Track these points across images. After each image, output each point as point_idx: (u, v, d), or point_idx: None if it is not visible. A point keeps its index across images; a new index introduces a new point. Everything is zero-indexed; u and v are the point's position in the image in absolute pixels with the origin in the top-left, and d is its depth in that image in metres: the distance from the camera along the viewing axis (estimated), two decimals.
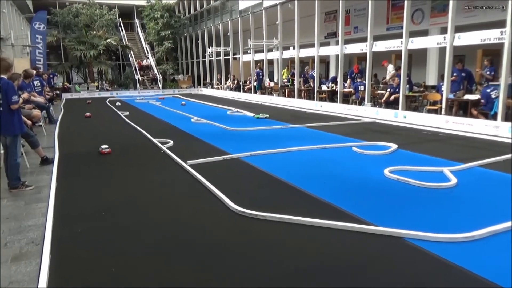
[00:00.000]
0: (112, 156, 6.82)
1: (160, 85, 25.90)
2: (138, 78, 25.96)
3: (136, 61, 27.14)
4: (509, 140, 7.55)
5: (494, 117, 8.50)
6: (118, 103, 17.54)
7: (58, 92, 20.55)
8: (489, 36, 8.55)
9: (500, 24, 8.32)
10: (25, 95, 7.06)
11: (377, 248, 3.21)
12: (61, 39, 25.33)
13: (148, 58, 27.85)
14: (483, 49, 11.56)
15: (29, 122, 6.74)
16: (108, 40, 24.58)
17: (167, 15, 26.15)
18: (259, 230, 3.59)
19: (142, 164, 6.26)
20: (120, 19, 28.54)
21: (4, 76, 4.79)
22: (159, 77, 26.16)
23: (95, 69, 26.36)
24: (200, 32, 24.26)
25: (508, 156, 6.16)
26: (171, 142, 7.53)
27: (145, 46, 28.53)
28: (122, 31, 28.68)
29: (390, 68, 13.05)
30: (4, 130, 4.83)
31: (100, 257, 3.12)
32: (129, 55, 27.52)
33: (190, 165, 5.77)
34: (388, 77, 13.01)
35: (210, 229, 3.65)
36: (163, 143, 7.46)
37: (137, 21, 29.90)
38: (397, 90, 11.42)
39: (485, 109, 8.92)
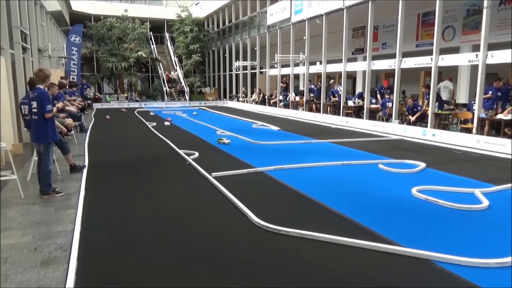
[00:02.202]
0: (139, 166, 6.96)
1: (187, 97, 26.36)
2: (166, 90, 26.53)
3: (164, 73, 27.79)
4: None
5: None
6: (152, 113, 17.98)
7: (89, 102, 21.24)
8: None
9: None
10: (59, 104, 7.34)
11: (404, 270, 3.12)
12: (94, 51, 26.29)
13: (176, 70, 28.46)
14: None
15: (64, 129, 7.00)
16: (139, 53, 25.32)
17: (196, 29, 26.75)
18: (282, 245, 3.55)
19: (168, 174, 6.36)
20: (151, 33, 29.39)
21: (41, 86, 5.01)
22: (187, 89, 26.66)
23: (125, 80, 27.14)
24: (228, 46, 24.65)
25: None
26: (196, 154, 7.62)
27: (174, 59, 29.20)
28: (153, 44, 29.50)
29: (446, 84, 12.68)
30: (38, 137, 5.02)
31: (125, 266, 3.16)
32: (158, 67, 28.22)
33: (215, 177, 5.81)
34: (446, 95, 12.60)
35: (233, 242, 3.65)
36: (188, 155, 7.56)
37: (167, 34, 30.72)
38: (414, 110, 11.23)
39: None
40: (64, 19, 22.50)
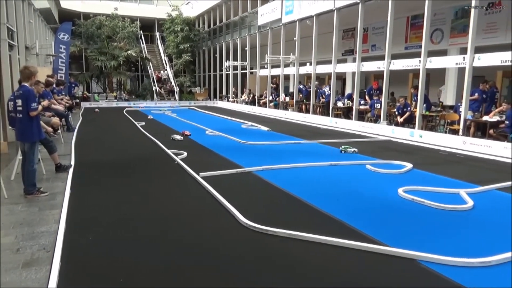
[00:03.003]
0: (126, 166, 6.90)
1: (177, 97, 26.23)
2: (156, 89, 26.37)
3: (154, 72, 27.62)
4: None
5: None
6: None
7: (77, 101, 20.99)
8: (509, 57, 8.42)
9: None
10: (45, 102, 7.23)
11: (390, 270, 3.14)
12: (83, 49, 26.01)
13: (166, 70, 28.31)
14: (503, 70, 11.41)
15: (50, 129, 6.90)
16: (129, 52, 25.12)
17: (187, 29, 26.65)
18: (270, 246, 3.55)
19: (155, 174, 6.31)
20: (141, 32, 29.19)
21: (26, 84, 4.93)
22: (176, 89, 26.53)
23: (114, 80, 26.90)
24: (219, 46, 24.60)
25: None
26: (185, 154, 7.58)
27: (164, 58, 29.04)
28: (143, 43, 29.29)
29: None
30: (23, 136, 4.94)
31: (110, 267, 3.12)
32: (148, 66, 28.03)
33: (203, 177, 5.79)
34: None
35: (220, 243, 3.63)
36: (176, 154, 7.51)
37: (157, 33, 30.54)
38: (404, 109, 11.33)
39: (507, 131, 8.74)
40: (53, 16, 22.20)
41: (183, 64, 27.55)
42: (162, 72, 28.28)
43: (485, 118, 9.57)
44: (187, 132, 10.63)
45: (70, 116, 12.42)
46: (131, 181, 5.85)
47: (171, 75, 27.70)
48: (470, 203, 4.69)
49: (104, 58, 24.44)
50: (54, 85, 11.30)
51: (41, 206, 4.59)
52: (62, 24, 20.51)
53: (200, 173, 5.95)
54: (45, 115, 7.66)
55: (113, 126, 13.31)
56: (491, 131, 9.09)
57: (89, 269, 3.09)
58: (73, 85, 21.35)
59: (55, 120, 7.55)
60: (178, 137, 9.90)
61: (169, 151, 7.87)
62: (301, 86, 17.69)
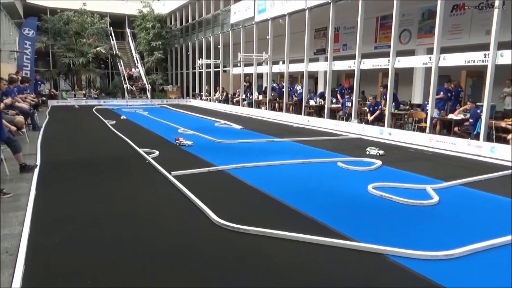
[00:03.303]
0: (95, 165, 6.73)
1: (149, 95, 25.80)
2: (127, 87, 25.84)
3: (125, 70, 27.05)
4: (490, 160, 7.69)
5: (477, 137, 8.66)
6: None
7: (44, 98, 20.28)
8: (473, 58, 8.77)
9: (484, 47, 8.54)
10: (7, 100, 6.96)
11: (359, 265, 3.21)
12: (50, 45, 25.13)
13: (137, 67, 27.79)
14: (467, 70, 11.86)
15: (13, 128, 6.63)
16: (98, 48, 24.48)
17: (158, 26, 26.25)
18: (242, 244, 3.56)
19: (126, 173, 6.19)
20: (111, 28, 28.51)
21: None
22: (148, 86, 26.09)
23: (83, 77, 26.14)
24: (191, 44, 24.36)
25: (490, 175, 6.26)
26: (157, 153, 7.47)
27: (135, 55, 28.49)
28: (113, 39, 28.62)
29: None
30: None
31: (77, 269, 3.04)
32: (119, 64, 27.41)
33: (175, 176, 5.72)
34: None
35: (192, 242, 3.60)
36: (148, 153, 7.39)
37: (128, 30, 29.91)
38: (375, 108, 11.60)
39: (471, 129, 9.10)
40: (17, 11, 21.35)
41: (155, 62, 27.12)
42: (133, 69, 27.73)
43: (451, 116, 9.93)
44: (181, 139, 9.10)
45: (35, 114, 11.98)
46: (101, 180, 5.71)
47: (142, 73, 27.21)
48: (436, 198, 4.85)
49: (72, 55, 23.70)
50: (19, 82, 10.87)
51: (4, 208, 4.40)
52: (27, 19, 19.76)
53: (172, 172, 5.88)
54: (8, 113, 7.36)
55: (82, 125, 12.94)
56: (456, 128, 9.44)
57: (55, 272, 3.00)
58: (39, 82, 20.62)
59: (19, 118, 7.26)
60: (188, 142, 8.73)
61: (140, 150, 7.73)
62: (274, 85, 17.78)
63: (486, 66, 8.41)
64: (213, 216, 4.09)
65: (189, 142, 8.68)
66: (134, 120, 14.26)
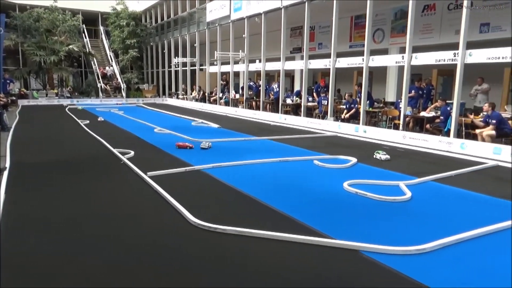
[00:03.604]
0: (68, 166, 6.57)
1: (124, 94, 25.34)
2: (101, 86, 25.29)
3: (99, 68, 26.48)
4: (460, 156, 7.94)
5: (447, 134, 8.93)
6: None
7: (13, 98, 19.61)
8: (443, 57, 9.03)
9: (454, 46, 8.80)
10: None
11: (334, 261, 3.26)
12: (19, 43, 24.28)
13: (112, 66, 27.25)
14: (438, 69, 12.20)
15: None
16: (70, 46, 23.84)
17: (133, 24, 25.79)
18: (219, 244, 3.55)
19: (100, 174, 6.07)
20: (84, 26, 27.82)
21: None
22: (123, 85, 25.62)
23: (55, 76, 25.42)
24: (167, 42, 24.07)
25: (460, 171, 6.48)
26: (132, 153, 7.35)
27: (109, 53, 27.91)
28: (86, 37, 27.95)
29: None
30: None
31: (51, 270, 2.97)
32: (92, 62, 26.80)
33: (150, 177, 5.65)
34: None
35: (168, 242, 3.58)
36: (123, 154, 7.27)
37: (101, 28, 29.27)
38: (352, 106, 11.80)
39: (442, 126, 9.37)
40: None
41: (130, 60, 26.64)
42: (107, 68, 27.17)
43: (423, 113, 10.20)
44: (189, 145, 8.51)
45: (5, 114, 11.57)
46: (74, 182, 5.57)
47: (117, 71, 26.70)
48: (408, 194, 4.98)
49: (43, 53, 23.00)
50: None
51: None
52: None
53: (148, 173, 5.81)
54: None
55: (54, 125, 12.59)
56: (427, 125, 9.71)
57: (29, 274, 2.91)
58: (8, 81, 19.88)
59: None
60: (206, 144, 8.36)
61: (115, 151, 7.59)
62: (251, 83, 17.79)
63: (455, 65, 8.67)
64: (189, 216, 4.07)
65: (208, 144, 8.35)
66: (108, 119, 13.98)
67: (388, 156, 7.45)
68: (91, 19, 29.30)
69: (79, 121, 12.97)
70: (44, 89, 24.65)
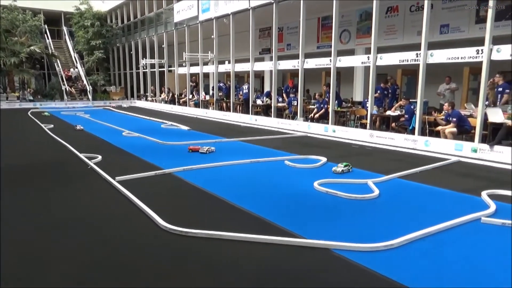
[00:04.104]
0: (31, 173, 6.31)
1: (90, 96, 24.65)
2: (66, 89, 24.50)
3: (63, 70, 25.62)
4: (425, 153, 8.24)
5: (412, 132, 9.24)
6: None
7: None
8: (406, 57, 9.34)
9: (417, 46, 9.11)
10: None
11: (306, 261, 3.30)
12: None
13: (76, 67, 26.44)
14: (402, 68, 12.60)
15: None
16: (32, 48, 22.93)
17: (98, 24, 25.14)
18: (190, 248, 3.52)
19: (66, 180, 5.87)
20: (46, 26, 26.86)
21: None
22: (89, 88, 24.92)
23: (16, 78, 24.40)
24: (134, 43, 23.62)
25: (424, 167, 6.72)
26: (99, 157, 7.16)
27: (74, 55, 27.08)
28: (48, 38, 26.98)
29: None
30: None
31: (16, 282, 2.84)
32: (56, 64, 25.91)
33: (119, 182, 5.52)
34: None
35: (139, 248, 3.51)
36: (90, 158, 7.07)
37: (65, 28, 28.34)
38: (321, 106, 11.99)
39: (406, 124, 9.68)
40: None
41: (96, 62, 25.97)
42: (72, 70, 26.35)
43: (389, 112, 10.50)
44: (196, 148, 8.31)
45: None
46: (39, 189, 5.37)
47: (82, 73, 25.94)
48: (376, 192, 5.12)
49: (3, 55, 22.00)
50: None
51: None
52: None
53: (116, 177, 5.68)
54: None
55: (16, 130, 12.08)
56: (393, 124, 10.00)
57: None
58: None
59: None
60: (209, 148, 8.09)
61: (81, 155, 7.37)
62: (221, 84, 17.73)
63: (418, 65, 8.98)
64: (160, 221, 4.01)
65: (211, 148, 8.09)
66: (74, 123, 13.54)
67: (347, 168, 6.38)
68: (53, 19, 28.32)
69: (42, 125, 12.50)
70: (4, 92, 23.60)
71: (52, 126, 12.35)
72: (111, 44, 26.61)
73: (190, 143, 9.22)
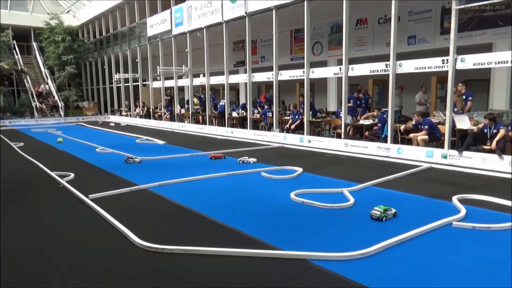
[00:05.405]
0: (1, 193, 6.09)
1: (62, 113, 24.07)
2: (36, 105, 23.85)
3: (33, 86, 24.96)
4: (397, 160, 8.43)
5: (385, 140, 9.45)
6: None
7: None
8: (377, 68, 9.60)
9: (386, 57, 9.38)
10: None
11: (283, 272, 3.31)
12: None
13: (47, 83, 25.82)
14: (373, 79, 12.93)
15: None
16: (0, 64, 22.30)
17: (69, 39, 24.68)
18: (166, 264, 3.47)
19: (37, 200, 5.69)
20: (15, 42, 26.20)
21: None
22: (61, 104, 24.35)
23: None
24: (107, 57, 23.32)
25: (397, 175, 6.87)
26: (72, 175, 6.99)
27: (44, 70, 26.46)
28: (17, 54, 26.29)
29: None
30: None
31: None
32: (25, 80, 25.21)
33: (92, 199, 5.40)
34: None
35: (114, 268, 3.43)
36: (62, 177, 6.88)
37: (34, 44, 27.68)
38: (296, 117, 12.13)
39: (379, 132, 9.90)
40: None
41: (67, 77, 25.43)
42: (42, 86, 25.70)
43: (362, 121, 10.72)
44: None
45: None
46: (8, 210, 5.17)
47: (53, 89, 25.34)
48: (352, 200, 5.19)
49: None
50: None
51: None
52: None
53: (90, 195, 5.55)
54: None
55: None
56: (366, 133, 10.21)
57: None
58: None
59: None
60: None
61: (52, 174, 7.17)
62: (201, 96, 17.52)
63: (388, 75, 9.24)
64: (135, 238, 3.93)
65: (253, 160, 8.36)
66: (45, 141, 13.18)
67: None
68: (22, 35, 27.62)
69: (11, 143, 12.11)
70: None
71: (22, 144, 11.97)
72: (83, 59, 26.17)
73: (166, 157, 9.13)
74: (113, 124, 19.08)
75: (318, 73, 11.29)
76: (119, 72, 21.33)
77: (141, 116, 20.88)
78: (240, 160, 8.35)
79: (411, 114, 10.72)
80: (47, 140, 13.33)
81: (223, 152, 9.76)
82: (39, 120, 22.64)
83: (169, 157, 9.20)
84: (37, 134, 15.44)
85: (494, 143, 7.40)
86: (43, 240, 4.13)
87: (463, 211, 4.68)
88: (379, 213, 4.59)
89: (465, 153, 7.80)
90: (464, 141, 7.99)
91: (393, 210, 4.70)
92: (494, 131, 7.57)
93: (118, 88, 22.85)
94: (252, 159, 8.34)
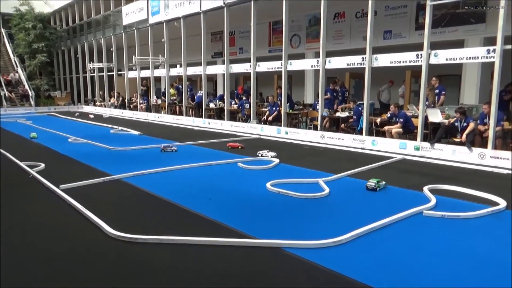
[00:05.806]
0: None
1: (33, 102, 23.29)
2: (5, 94, 22.96)
3: (2, 75, 24.02)
4: (372, 152, 8.59)
5: (360, 132, 9.60)
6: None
7: None
8: (353, 61, 9.71)
9: (363, 51, 9.48)
10: None
11: (258, 260, 3.32)
12: None
13: (17, 72, 24.89)
14: (350, 72, 13.08)
15: None
16: None
17: (40, 26, 23.81)
18: (140, 255, 3.42)
19: (4, 192, 5.48)
20: None
21: None
22: (31, 93, 23.54)
23: None
24: (80, 46, 22.65)
25: (371, 166, 7.00)
26: (42, 165, 6.78)
27: (14, 58, 25.49)
28: None
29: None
30: None
31: None
32: None
33: (63, 190, 5.26)
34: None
35: (86, 259, 3.35)
36: (31, 167, 6.67)
37: (3, 30, 26.59)
38: (274, 108, 12.17)
39: (355, 125, 10.04)
40: None
41: (38, 66, 24.56)
42: (11, 74, 24.76)
43: (338, 114, 10.84)
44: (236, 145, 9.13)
45: None
46: None
47: (23, 78, 24.45)
48: (327, 190, 5.26)
49: None
50: None
51: None
52: None
53: (61, 186, 5.40)
54: None
55: None
56: (342, 125, 10.35)
57: None
58: None
59: None
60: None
61: (21, 164, 6.94)
62: (180, 86, 17.23)
63: (364, 68, 9.36)
64: (107, 228, 3.86)
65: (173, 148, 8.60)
66: (14, 131, 12.73)
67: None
68: None
69: None
70: None
71: None
72: (55, 47, 25.34)
73: (141, 148, 8.99)
74: (92, 116, 18.60)
75: (296, 65, 11.33)
76: (93, 61, 20.76)
77: (115, 107, 20.45)
78: (259, 153, 7.94)
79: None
80: (17, 130, 12.87)
81: (199, 143, 9.68)
82: (8, 109, 21.82)
83: (143, 148, 9.05)
84: (5, 124, 14.88)
85: (464, 136, 7.64)
86: (10, 231, 4.00)
87: (433, 200, 4.81)
88: (373, 184, 5.37)
89: (436, 145, 8.01)
90: (436, 133, 8.21)
91: (383, 182, 5.46)
92: (464, 124, 7.81)
93: (92, 78, 22.27)
94: (271, 153, 7.79)
